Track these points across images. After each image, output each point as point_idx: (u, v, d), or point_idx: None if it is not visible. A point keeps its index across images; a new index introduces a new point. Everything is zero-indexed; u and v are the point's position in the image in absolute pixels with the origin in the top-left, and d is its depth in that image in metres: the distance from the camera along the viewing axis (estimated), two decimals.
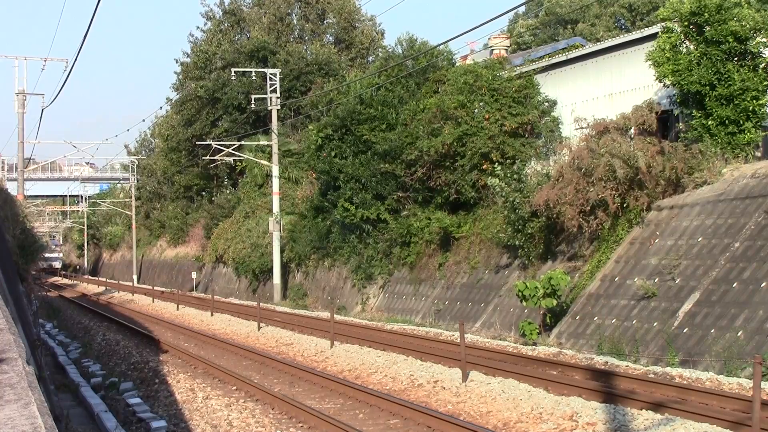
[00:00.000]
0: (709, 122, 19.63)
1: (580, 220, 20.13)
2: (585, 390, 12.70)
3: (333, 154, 31.78)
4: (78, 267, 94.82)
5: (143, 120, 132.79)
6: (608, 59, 24.79)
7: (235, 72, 42.99)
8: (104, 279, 69.84)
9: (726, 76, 19.32)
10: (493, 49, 33.36)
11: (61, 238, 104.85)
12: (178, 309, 36.36)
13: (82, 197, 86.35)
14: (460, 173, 26.15)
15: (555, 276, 18.97)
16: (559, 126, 26.10)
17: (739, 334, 14.87)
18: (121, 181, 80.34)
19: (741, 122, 19.46)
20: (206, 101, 52.57)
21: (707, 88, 19.51)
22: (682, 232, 18.37)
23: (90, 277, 78.21)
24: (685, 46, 20.38)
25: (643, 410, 11.38)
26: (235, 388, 15.50)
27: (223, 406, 13.49)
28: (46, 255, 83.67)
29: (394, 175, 28.86)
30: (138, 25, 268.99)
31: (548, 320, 20.03)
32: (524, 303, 19.74)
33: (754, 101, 19.27)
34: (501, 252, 24.35)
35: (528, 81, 26.81)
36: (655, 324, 17.00)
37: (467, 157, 25.69)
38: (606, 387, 12.89)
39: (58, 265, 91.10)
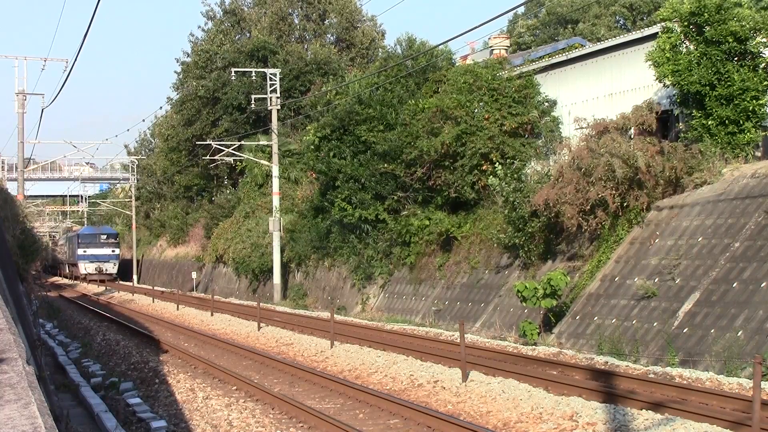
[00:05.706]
0: (709, 122, 19.64)
1: (580, 219, 20.14)
2: (585, 390, 12.70)
3: (331, 154, 31.76)
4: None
5: (143, 120, 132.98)
6: (608, 59, 24.78)
7: (235, 72, 43.00)
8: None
9: (726, 76, 19.33)
10: (493, 49, 33.33)
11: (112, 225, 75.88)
12: (178, 309, 36.36)
13: (82, 197, 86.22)
14: (459, 173, 26.13)
15: (554, 277, 19.00)
16: (559, 126, 26.10)
17: (739, 334, 14.87)
18: (121, 181, 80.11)
19: (741, 122, 19.46)
20: (206, 101, 52.60)
21: (707, 88, 19.52)
22: (682, 232, 18.38)
23: None
24: (685, 46, 20.38)
25: (643, 410, 11.39)
26: (235, 388, 15.50)
27: (223, 406, 13.49)
28: (90, 252, 63.03)
29: (393, 175, 28.83)
30: (138, 25, 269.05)
31: (552, 319, 20.05)
32: (524, 303, 19.78)
33: (754, 101, 19.28)
34: (501, 252, 24.34)
35: (528, 81, 26.81)
36: (655, 324, 17.00)
37: (467, 157, 25.68)
38: (606, 387, 12.89)
39: (112, 269, 63.96)
